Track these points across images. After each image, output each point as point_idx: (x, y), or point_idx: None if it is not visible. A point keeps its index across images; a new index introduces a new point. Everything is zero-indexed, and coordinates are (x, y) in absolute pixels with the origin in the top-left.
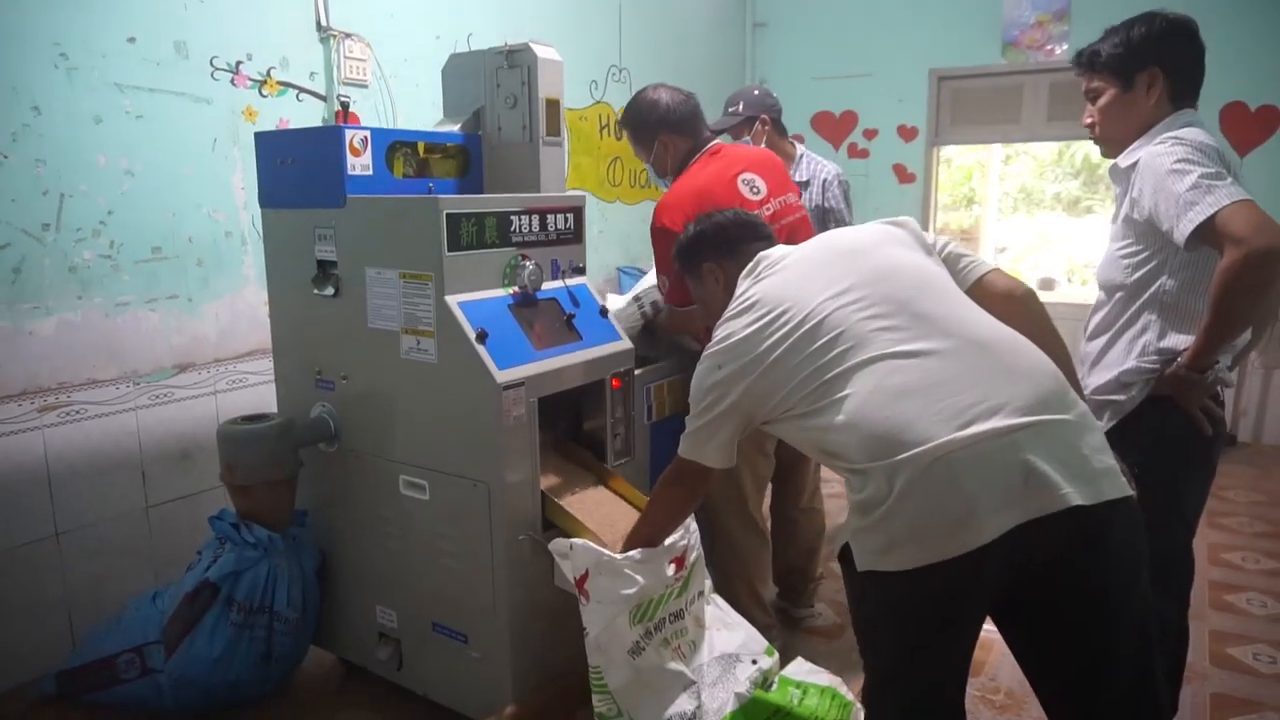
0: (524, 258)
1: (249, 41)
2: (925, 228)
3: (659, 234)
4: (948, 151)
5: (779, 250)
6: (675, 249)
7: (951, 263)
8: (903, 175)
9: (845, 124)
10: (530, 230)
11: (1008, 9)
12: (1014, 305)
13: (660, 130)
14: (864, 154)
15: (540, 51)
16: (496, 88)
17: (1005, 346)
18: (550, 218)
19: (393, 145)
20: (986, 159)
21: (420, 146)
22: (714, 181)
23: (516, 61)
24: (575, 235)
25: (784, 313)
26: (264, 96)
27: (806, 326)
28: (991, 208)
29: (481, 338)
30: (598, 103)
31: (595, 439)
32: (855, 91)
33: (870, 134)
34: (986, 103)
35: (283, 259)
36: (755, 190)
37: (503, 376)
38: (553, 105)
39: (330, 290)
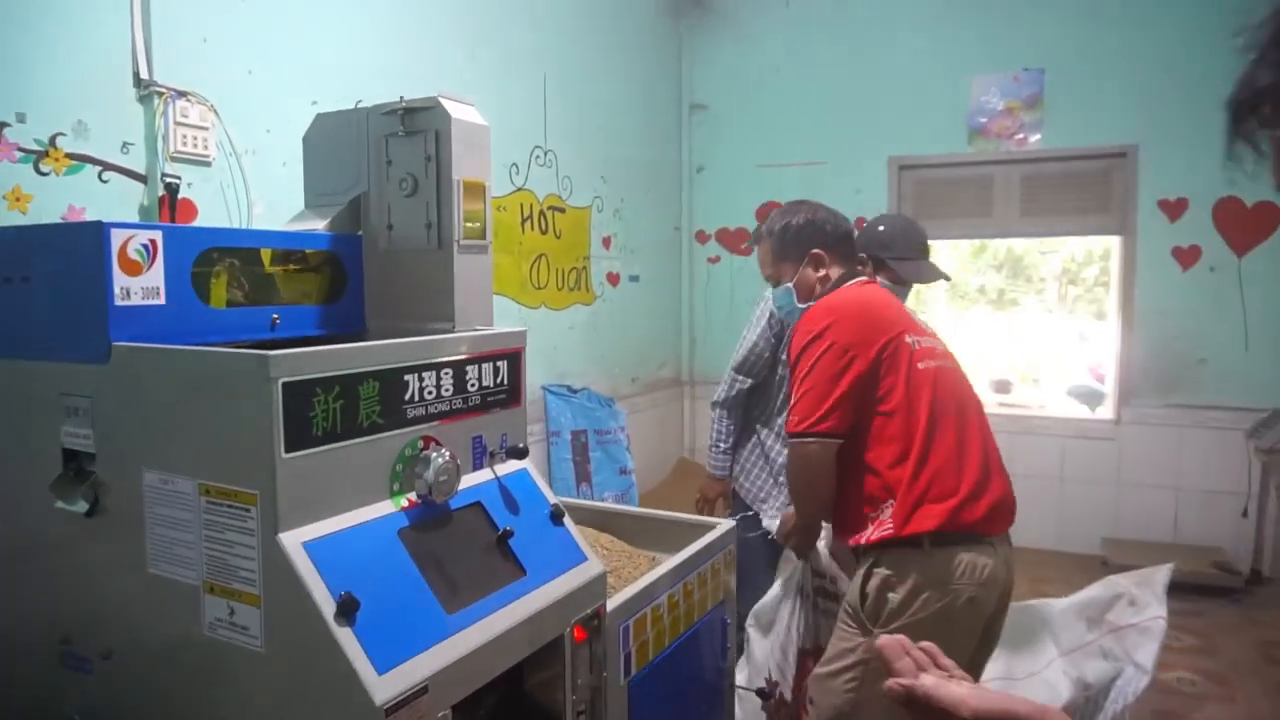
0: (428, 444)
1: (22, 95)
2: None
3: (807, 344)
4: None
5: None
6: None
7: None
8: None
9: None
10: (439, 395)
11: (975, 94)
12: None
13: (812, 246)
14: None
15: (455, 110)
16: (386, 164)
17: None
18: (472, 370)
19: (207, 254)
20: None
21: (265, 255)
22: (883, 302)
23: (418, 124)
24: (511, 394)
25: None
26: (43, 174)
27: None
28: (939, 301)
29: (347, 610)
30: (519, 189)
31: (543, 708)
32: (807, 181)
33: None
34: (954, 195)
35: (6, 445)
36: (923, 325)
37: (386, 687)
38: (474, 191)
39: (82, 504)
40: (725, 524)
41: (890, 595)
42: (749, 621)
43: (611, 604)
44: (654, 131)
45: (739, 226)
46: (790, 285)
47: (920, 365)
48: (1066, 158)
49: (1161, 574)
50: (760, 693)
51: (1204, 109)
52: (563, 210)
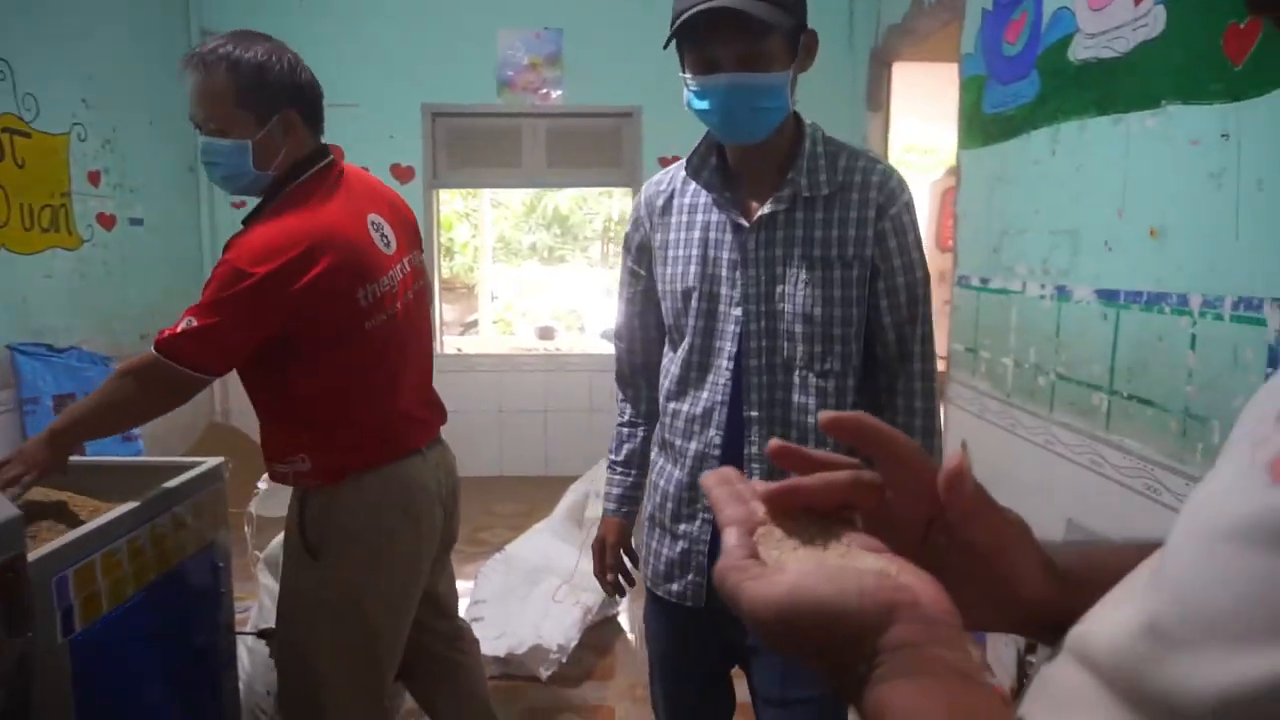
0: None
1: None
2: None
3: (233, 276)
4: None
5: None
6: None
7: None
8: None
9: None
10: None
11: (501, 48)
12: None
13: (288, 104)
14: None
15: None
16: None
17: None
18: None
19: None
20: (474, 208)
21: None
22: (345, 219)
23: None
24: None
25: None
26: None
27: None
28: (486, 256)
29: None
30: None
31: None
32: (338, 124)
33: None
34: (486, 145)
35: None
36: (386, 241)
37: None
38: None
39: None
40: (210, 462)
41: (332, 524)
42: (259, 566)
43: (36, 554)
44: (157, 57)
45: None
46: (249, 144)
47: (367, 324)
48: (584, 114)
49: (600, 469)
50: (263, 633)
51: None
52: (26, 135)
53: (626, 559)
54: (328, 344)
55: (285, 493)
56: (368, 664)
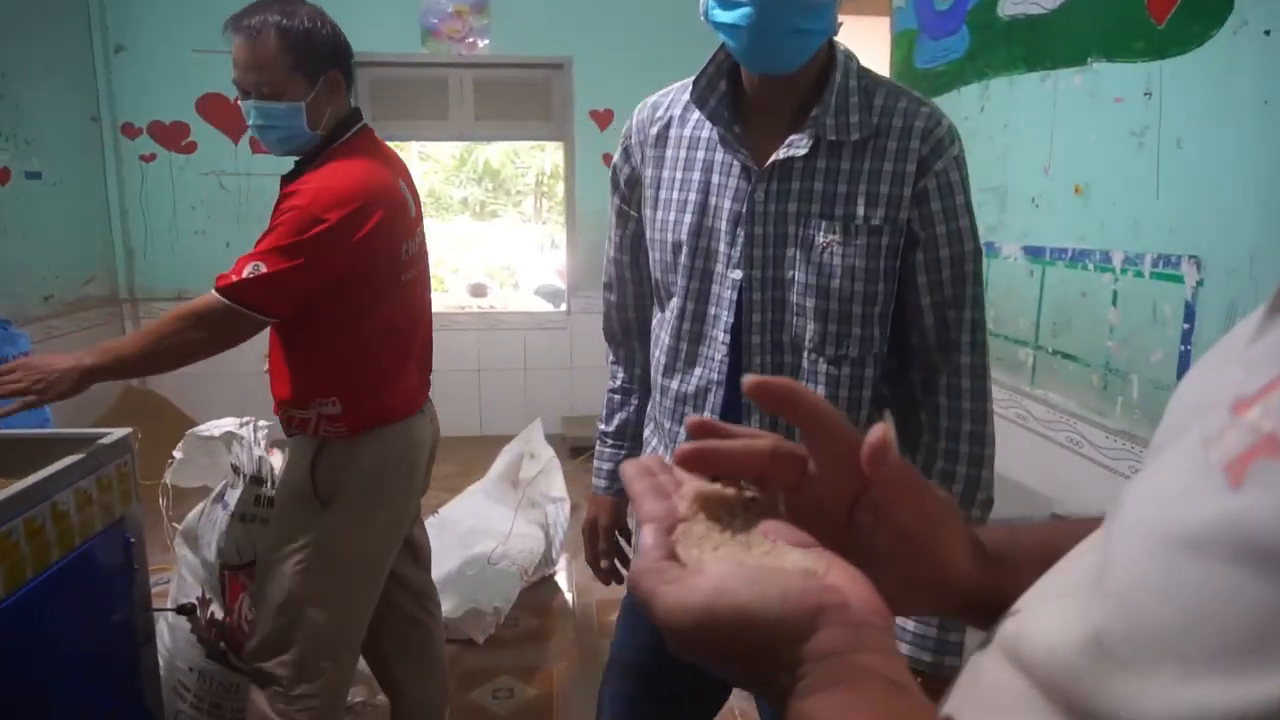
0: None
1: None
2: None
3: (308, 221)
4: None
5: None
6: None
7: None
8: None
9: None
10: None
11: None
12: None
13: (332, 65)
14: None
15: None
16: None
17: None
18: None
19: None
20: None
21: None
22: (389, 178)
23: None
24: None
25: None
26: None
27: None
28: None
29: None
30: None
31: None
32: None
33: None
34: (411, 96)
35: None
36: (410, 205)
37: None
38: None
39: None
40: (116, 433)
41: (345, 477)
42: (177, 539)
43: None
44: (53, 2)
45: (175, 120)
46: (303, 105)
47: (404, 278)
48: (513, 65)
49: (535, 428)
50: (182, 609)
51: (628, 27)
52: None
53: (622, 541)
54: (372, 293)
55: (202, 462)
56: (349, 614)
